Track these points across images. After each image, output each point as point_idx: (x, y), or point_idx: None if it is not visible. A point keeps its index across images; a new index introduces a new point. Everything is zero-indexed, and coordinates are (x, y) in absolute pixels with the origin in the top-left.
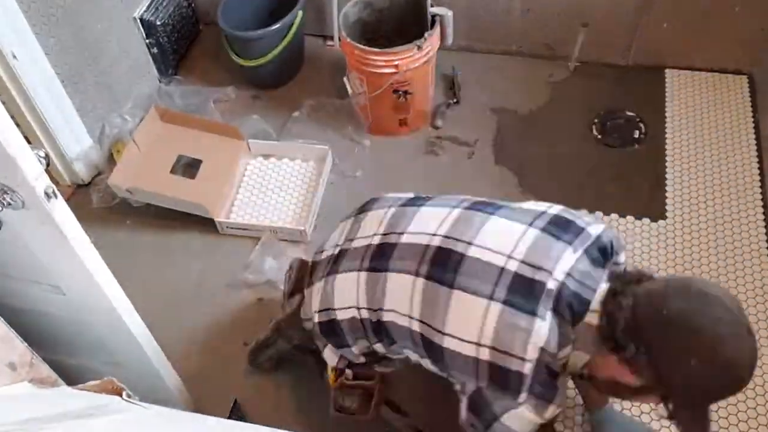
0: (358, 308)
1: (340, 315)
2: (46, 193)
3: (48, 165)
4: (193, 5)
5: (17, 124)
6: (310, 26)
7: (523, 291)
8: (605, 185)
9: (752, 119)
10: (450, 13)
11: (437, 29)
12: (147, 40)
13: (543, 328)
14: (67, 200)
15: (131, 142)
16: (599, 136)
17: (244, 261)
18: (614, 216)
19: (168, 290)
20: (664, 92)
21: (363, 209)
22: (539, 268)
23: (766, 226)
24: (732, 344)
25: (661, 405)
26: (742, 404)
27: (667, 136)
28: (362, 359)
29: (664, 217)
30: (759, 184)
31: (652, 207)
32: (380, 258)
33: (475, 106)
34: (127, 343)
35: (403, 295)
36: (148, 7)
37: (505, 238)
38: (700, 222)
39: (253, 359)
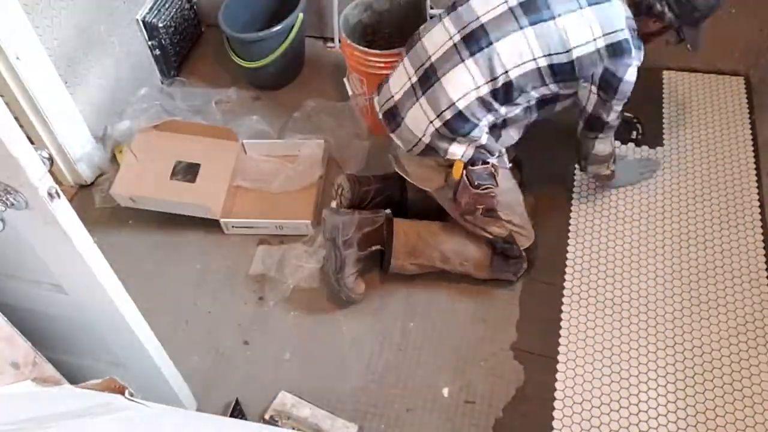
0: (478, 87)
1: (462, 103)
2: (50, 194)
3: (51, 165)
4: (194, 7)
5: (20, 125)
6: (310, 28)
7: None
8: None
9: (749, 120)
10: None
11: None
12: (149, 42)
13: (617, 4)
14: (70, 201)
15: (129, 152)
16: None
17: (245, 260)
18: None
19: (170, 290)
20: (662, 93)
21: (408, 49)
22: None
23: (762, 226)
24: None
25: (675, 36)
26: (739, 402)
27: (664, 136)
28: (486, 137)
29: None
30: (756, 184)
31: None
32: (477, 41)
33: None
34: (129, 343)
35: (519, 49)
36: (151, 9)
37: None
38: (696, 222)
39: (345, 291)
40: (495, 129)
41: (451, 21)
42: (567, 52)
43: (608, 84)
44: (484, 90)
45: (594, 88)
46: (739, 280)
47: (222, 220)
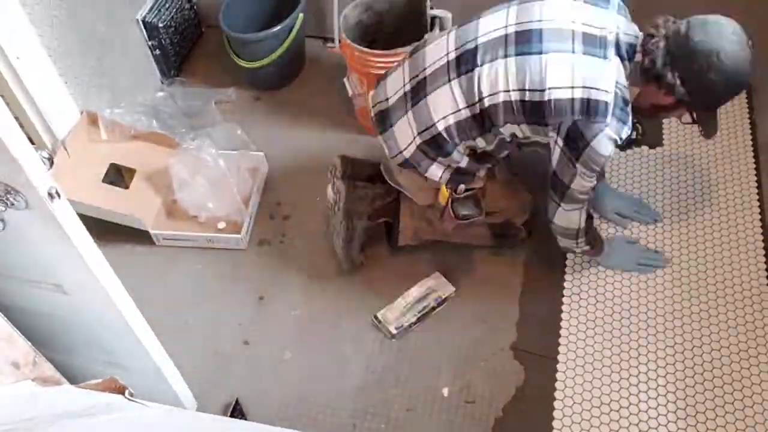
0: (458, 110)
1: (441, 125)
2: (50, 194)
3: (51, 166)
4: (195, 7)
5: (20, 125)
6: (310, 28)
7: (593, 43)
8: None
9: (749, 120)
10: (449, 15)
11: (436, 31)
12: (149, 42)
13: (614, 66)
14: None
15: (61, 149)
16: None
17: (245, 259)
18: None
19: (170, 289)
20: None
21: (413, 53)
22: (599, 28)
23: (762, 226)
24: (738, 60)
25: (687, 115)
26: (740, 402)
27: (664, 137)
28: (466, 160)
29: (661, 219)
30: (756, 184)
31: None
32: (466, 63)
33: None
34: (129, 343)
35: (499, 78)
36: (151, 9)
37: (563, 11)
38: (696, 223)
39: (350, 263)
40: (474, 155)
41: (454, 36)
42: (542, 91)
43: (574, 142)
44: (464, 114)
45: (560, 141)
46: (739, 280)
47: (152, 232)
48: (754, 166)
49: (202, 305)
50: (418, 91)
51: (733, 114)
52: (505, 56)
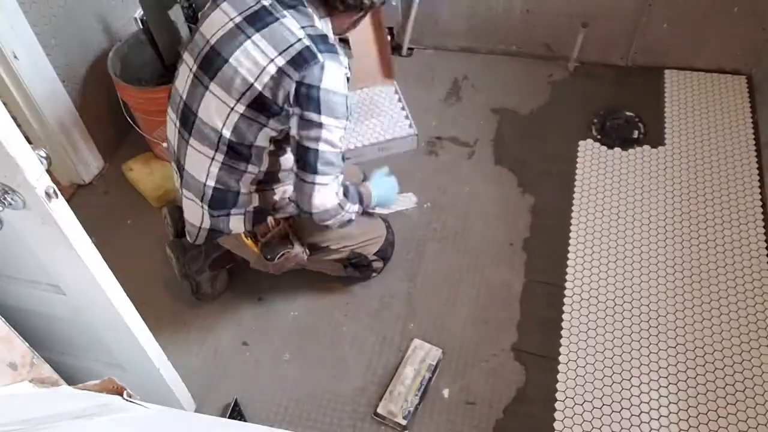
0: (212, 159)
1: (210, 182)
2: (47, 193)
3: (49, 165)
4: (193, 6)
5: (18, 124)
6: None
7: (258, 18)
8: None
9: (751, 119)
10: None
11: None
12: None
13: (290, 18)
14: (68, 200)
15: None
16: (599, 137)
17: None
18: None
19: (168, 290)
20: (664, 92)
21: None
22: (252, 4)
23: (765, 226)
24: None
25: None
26: (742, 403)
27: (666, 136)
28: (256, 197)
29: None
30: (758, 183)
31: None
32: (186, 118)
33: (476, 106)
34: (127, 343)
35: (215, 108)
36: None
37: (219, 19)
38: (699, 222)
39: (204, 297)
40: (263, 185)
41: (173, 113)
42: (251, 86)
43: (306, 97)
44: (219, 158)
45: (296, 109)
46: (741, 280)
47: None
48: (757, 165)
49: (201, 306)
50: (180, 167)
51: (735, 113)
52: (206, 87)
